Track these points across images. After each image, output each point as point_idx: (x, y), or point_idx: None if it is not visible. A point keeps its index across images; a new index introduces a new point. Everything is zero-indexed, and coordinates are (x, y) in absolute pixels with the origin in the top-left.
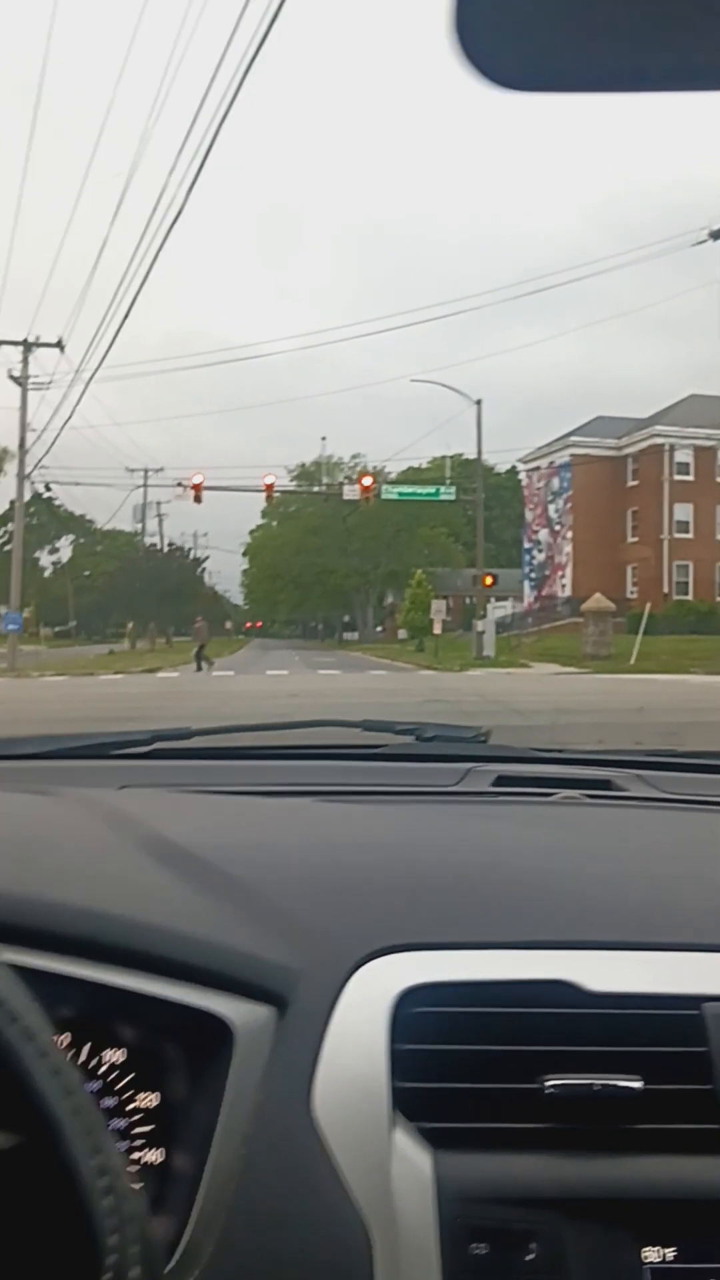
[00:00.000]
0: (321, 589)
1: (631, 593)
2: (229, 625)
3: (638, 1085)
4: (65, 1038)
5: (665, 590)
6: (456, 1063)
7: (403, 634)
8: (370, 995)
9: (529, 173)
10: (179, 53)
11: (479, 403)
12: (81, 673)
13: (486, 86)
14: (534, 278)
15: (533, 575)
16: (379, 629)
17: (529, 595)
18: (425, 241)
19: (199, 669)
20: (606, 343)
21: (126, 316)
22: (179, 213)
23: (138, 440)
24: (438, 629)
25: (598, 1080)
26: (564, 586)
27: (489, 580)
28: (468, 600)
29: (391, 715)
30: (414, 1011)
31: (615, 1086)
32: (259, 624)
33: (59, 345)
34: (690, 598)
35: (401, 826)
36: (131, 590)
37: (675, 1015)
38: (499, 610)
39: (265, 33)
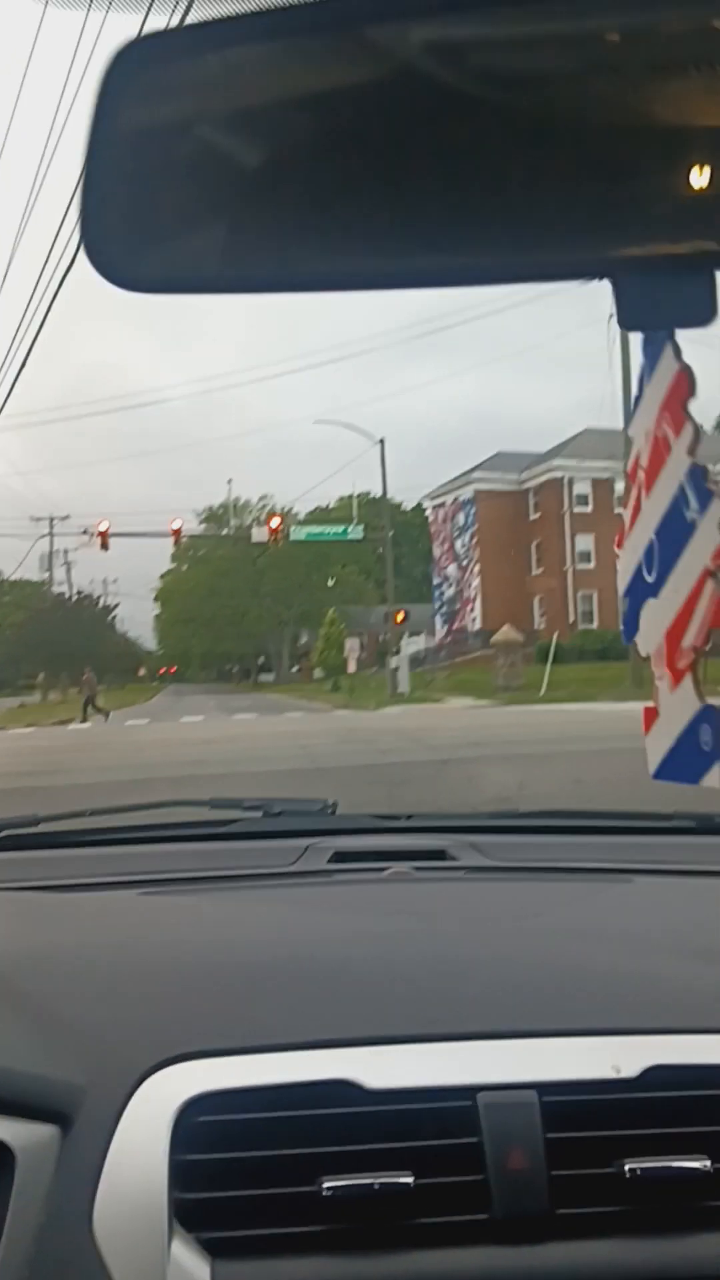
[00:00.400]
0: (235, 631)
1: (540, 623)
2: (143, 672)
3: (410, 1180)
4: None
5: (571, 620)
6: (237, 1169)
7: (318, 673)
8: (153, 1107)
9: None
10: (65, 98)
11: (382, 442)
12: (49, 723)
13: (116, 288)
14: (429, 318)
15: (443, 610)
16: (294, 669)
17: (440, 630)
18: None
19: (84, 719)
20: (503, 380)
21: (24, 366)
22: (73, 260)
23: (41, 489)
24: (352, 667)
25: (373, 1179)
26: (474, 620)
27: (400, 617)
28: (381, 637)
29: (308, 757)
30: (197, 1121)
31: (389, 1184)
32: (174, 669)
33: None
34: (595, 626)
35: (220, 920)
36: (41, 640)
37: (450, 1107)
38: (413, 646)
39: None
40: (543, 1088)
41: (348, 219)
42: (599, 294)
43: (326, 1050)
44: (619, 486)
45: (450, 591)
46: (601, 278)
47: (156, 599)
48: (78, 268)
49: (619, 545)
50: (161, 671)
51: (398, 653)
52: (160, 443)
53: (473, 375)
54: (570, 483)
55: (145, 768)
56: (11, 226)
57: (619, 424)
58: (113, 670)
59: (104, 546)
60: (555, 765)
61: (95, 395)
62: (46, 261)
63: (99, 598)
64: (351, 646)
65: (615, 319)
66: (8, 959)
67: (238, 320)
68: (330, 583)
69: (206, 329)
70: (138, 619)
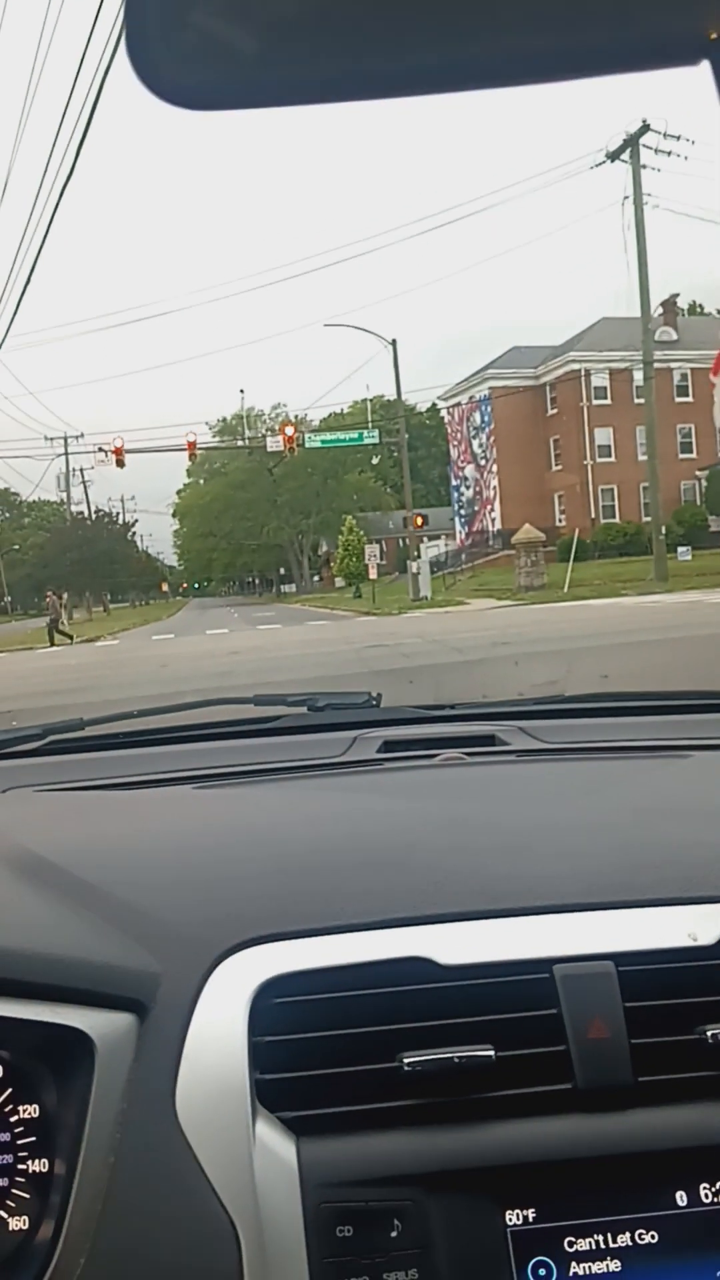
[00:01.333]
0: (255, 543)
1: (560, 521)
2: (165, 587)
3: (491, 1053)
4: None
5: (593, 516)
6: (315, 1050)
7: (339, 582)
8: (229, 991)
9: (414, 113)
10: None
11: (394, 343)
12: (19, 649)
13: (163, 104)
14: (430, 213)
15: (462, 512)
16: (315, 579)
17: (460, 532)
18: (317, 192)
19: (51, 644)
20: (513, 274)
21: (28, 283)
22: (69, 175)
23: (54, 409)
24: (373, 574)
25: (454, 1053)
26: (494, 520)
27: (419, 521)
28: (401, 542)
29: (333, 664)
30: (273, 1003)
31: (470, 1057)
32: (184, 586)
33: None
34: (617, 520)
35: (276, 808)
36: (63, 560)
37: (527, 980)
38: (432, 549)
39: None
40: (619, 958)
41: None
42: (606, 180)
43: (398, 929)
44: (638, 376)
45: (469, 493)
46: (697, 60)
47: (175, 514)
48: (74, 182)
49: (715, 373)
50: (184, 586)
51: (418, 557)
52: (168, 355)
53: (481, 271)
54: (588, 375)
55: (174, 681)
56: (9, 142)
57: (636, 311)
58: (135, 587)
59: (120, 464)
60: (580, 660)
61: (98, 311)
62: (44, 175)
63: (117, 515)
64: (371, 553)
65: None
66: (71, 853)
67: (237, 224)
68: (349, 490)
69: (210, 237)
70: (157, 535)
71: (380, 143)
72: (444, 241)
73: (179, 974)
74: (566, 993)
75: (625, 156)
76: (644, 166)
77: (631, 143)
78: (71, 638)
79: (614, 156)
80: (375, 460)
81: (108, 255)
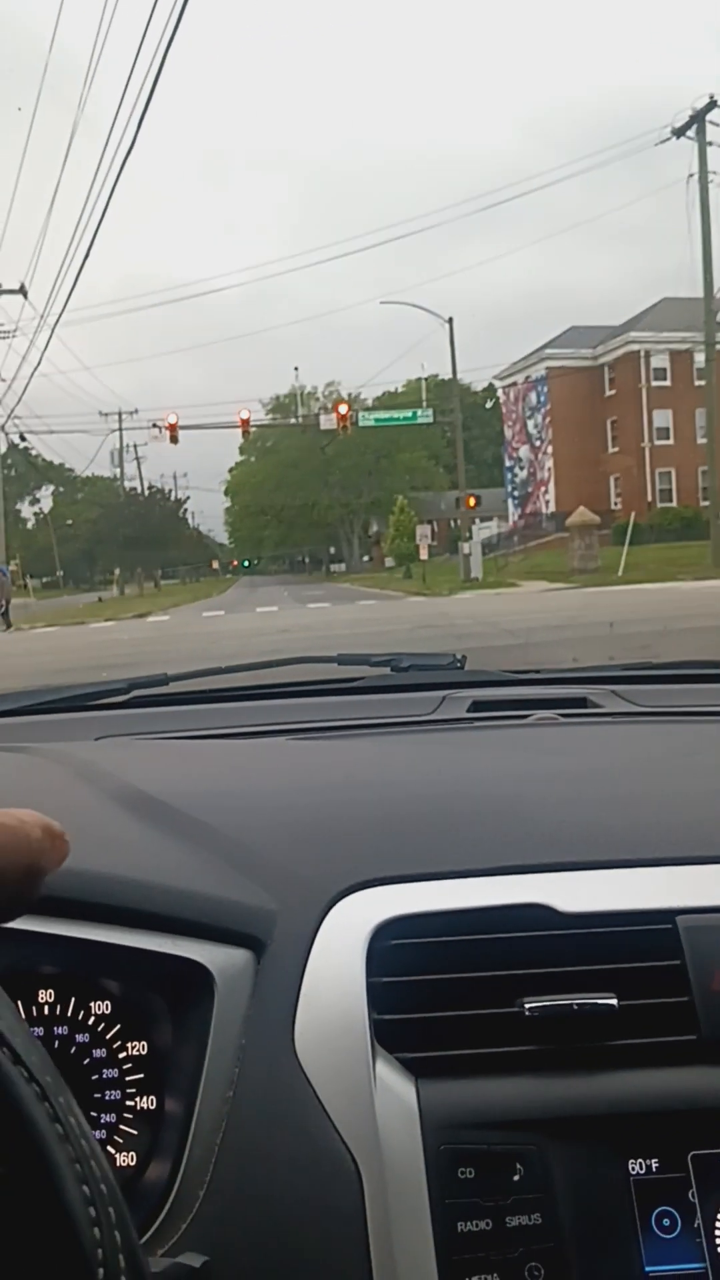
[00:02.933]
0: (305, 522)
1: (615, 504)
2: (216, 564)
3: (614, 1002)
4: (49, 994)
5: (649, 499)
6: (434, 992)
7: (389, 562)
8: (345, 932)
9: (465, 93)
10: None
11: (450, 321)
12: (72, 622)
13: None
14: (480, 195)
15: (516, 493)
16: (365, 558)
17: (513, 514)
18: (370, 168)
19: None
20: (567, 254)
21: (87, 256)
22: (130, 149)
23: (109, 384)
24: (424, 554)
25: (575, 1000)
26: (548, 502)
27: (472, 501)
28: (452, 523)
29: (383, 644)
30: (389, 944)
31: (593, 1004)
32: (234, 563)
33: (22, 291)
34: (674, 504)
35: (374, 760)
36: (115, 536)
37: (649, 930)
38: (484, 531)
39: None
40: None
41: None
42: (660, 161)
43: (516, 875)
44: (699, 358)
45: (523, 474)
46: None
47: (226, 492)
48: (131, 162)
49: None
50: (234, 564)
51: (469, 538)
52: (220, 333)
53: (535, 251)
54: (647, 356)
55: (224, 658)
56: (65, 123)
57: (699, 292)
58: (186, 564)
59: (173, 440)
60: (636, 645)
61: (152, 289)
62: (103, 154)
63: (170, 491)
64: (422, 533)
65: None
66: (179, 794)
67: (285, 205)
68: (401, 470)
69: (259, 219)
70: (208, 513)
71: (439, 120)
72: (503, 218)
73: (295, 912)
74: (690, 944)
75: (691, 133)
76: (710, 144)
77: (698, 119)
78: (9, 624)
79: (680, 133)
80: (428, 440)
81: (166, 230)
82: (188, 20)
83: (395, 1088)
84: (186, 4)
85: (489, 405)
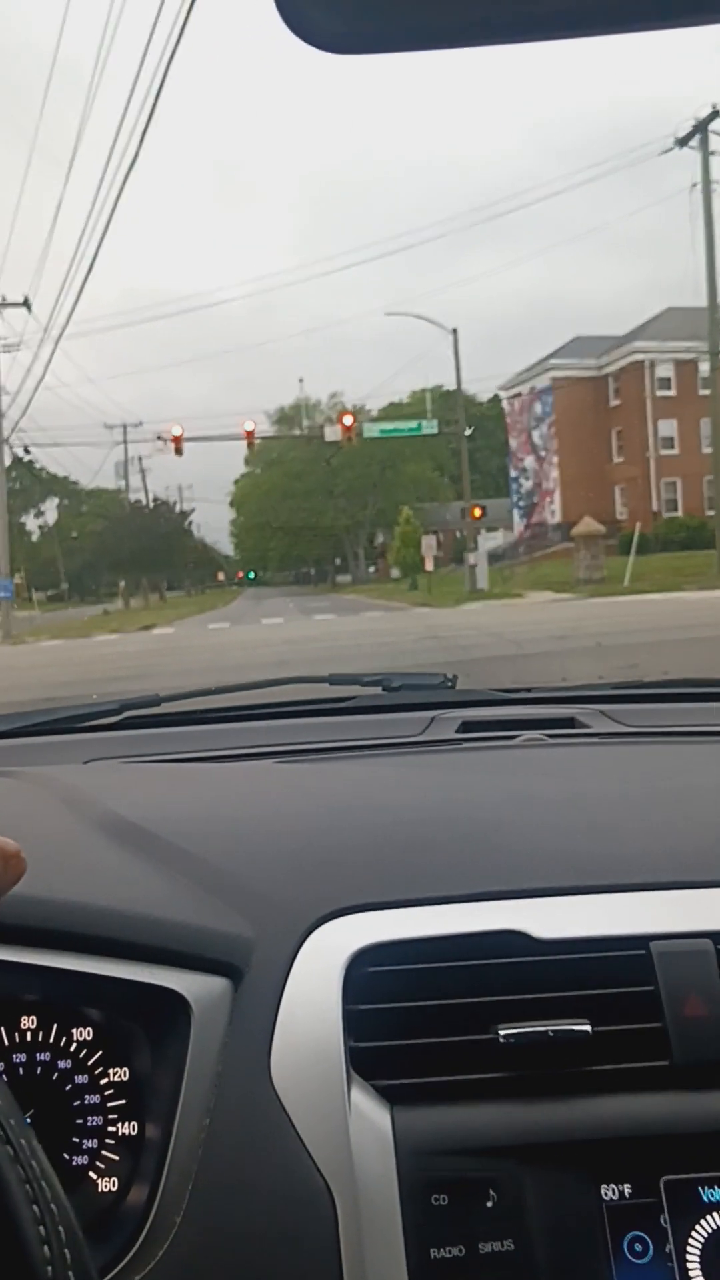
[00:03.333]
0: (311, 533)
1: (621, 514)
2: (221, 577)
3: (587, 1028)
4: (32, 1020)
5: (654, 509)
6: (410, 1019)
7: (395, 573)
8: (323, 959)
9: (470, 104)
10: (120, 5)
11: (455, 332)
12: (78, 635)
13: (310, 48)
14: (483, 205)
15: (521, 504)
16: (371, 569)
17: (519, 524)
18: (374, 180)
19: None
20: (572, 264)
21: (91, 269)
22: (133, 162)
23: (113, 396)
24: (429, 565)
25: (550, 1026)
26: (553, 513)
27: (477, 512)
28: (458, 534)
29: (388, 655)
30: (367, 971)
31: (567, 1031)
32: (239, 574)
33: (25, 304)
34: (680, 514)
35: (359, 784)
36: (120, 548)
37: (623, 956)
38: (490, 541)
39: None
40: (716, 936)
41: None
42: (661, 172)
43: (491, 902)
44: (704, 367)
45: (528, 484)
46: None
47: (231, 504)
48: (134, 175)
49: None
50: (239, 576)
51: (475, 549)
52: (223, 345)
53: (538, 262)
54: (652, 365)
55: (229, 670)
56: (70, 137)
57: (703, 301)
58: (191, 576)
59: (178, 452)
60: (642, 655)
61: (155, 301)
62: (106, 166)
63: (175, 504)
64: (428, 544)
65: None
66: (160, 820)
67: (288, 217)
68: (407, 481)
69: (261, 231)
70: (213, 524)
71: (441, 131)
72: (507, 229)
73: (273, 940)
74: (663, 969)
75: (694, 143)
76: (713, 153)
77: (701, 128)
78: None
79: (683, 142)
80: (434, 451)
81: (169, 242)
82: (193, 32)
83: (370, 1115)
84: (190, 15)
85: (491, 414)
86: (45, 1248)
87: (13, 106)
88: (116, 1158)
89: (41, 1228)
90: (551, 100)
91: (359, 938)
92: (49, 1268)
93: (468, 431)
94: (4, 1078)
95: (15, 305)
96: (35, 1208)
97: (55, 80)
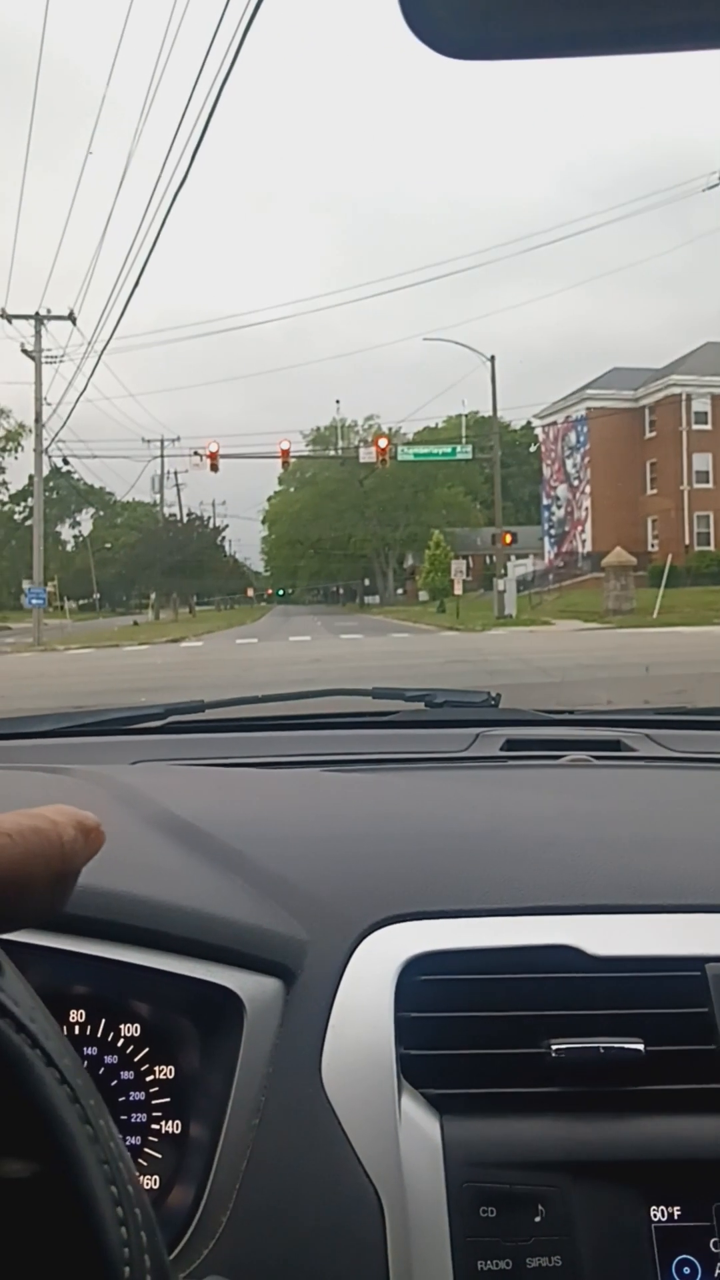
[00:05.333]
0: (341, 553)
1: (653, 546)
2: (250, 593)
3: (640, 1047)
4: (80, 1014)
5: (686, 542)
6: (461, 1029)
7: (423, 596)
8: (375, 965)
9: (504, 140)
10: (174, 28)
11: (493, 359)
12: (106, 645)
13: (439, 57)
14: (516, 239)
15: (552, 532)
16: (399, 591)
17: (549, 552)
18: (411, 214)
19: None
20: (605, 299)
21: (137, 284)
22: (184, 178)
23: (151, 411)
24: (458, 589)
25: (601, 1043)
26: (584, 542)
27: (508, 538)
28: (488, 559)
29: (415, 677)
30: (418, 979)
31: (619, 1049)
32: (269, 591)
33: (71, 318)
34: (712, 548)
35: (408, 795)
36: (153, 561)
37: (677, 977)
38: (519, 568)
39: (255, 8)
40: None
41: None
42: (694, 212)
43: (546, 916)
44: None
45: (560, 513)
46: None
47: (264, 521)
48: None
49: None
50: (269, 592)
51: (504, 574)
52: (259, 366)
53: (572, 295)
54: (689, 399)
55: (256, 686)
56: (119, 158)
57: None
58: (222, 591)
59: (214, 468)
60: (672, 689)
61: (192, 319)
62: (157, 184)
63: (208, 519)
64: (457, 568)
65: None
66: (213, 821)
67: (322, 244)
68: (438, 505)
69: (298, 256)
70: (245, 541)
71: (479, 167)
72: (540, 264)
73: (326, 944)
74: (718, 992)
75: None
76: None
77: None
78: None
79: None
80: (466, 476)
81: (208, 264)
82: (241, 59)
83: (420, 1123)
84: (243, 45)
85: (532, 448)
86: (122, 1229)
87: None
88: (159, 1156)
89: (119, 1208)
90: (584, 142)
91: (412, 945)
92: (125, 1250)
93: (501, 458)
94: (84, 1062)
95: (60, 319)
96: (113, 1188)
97: (110, 100)
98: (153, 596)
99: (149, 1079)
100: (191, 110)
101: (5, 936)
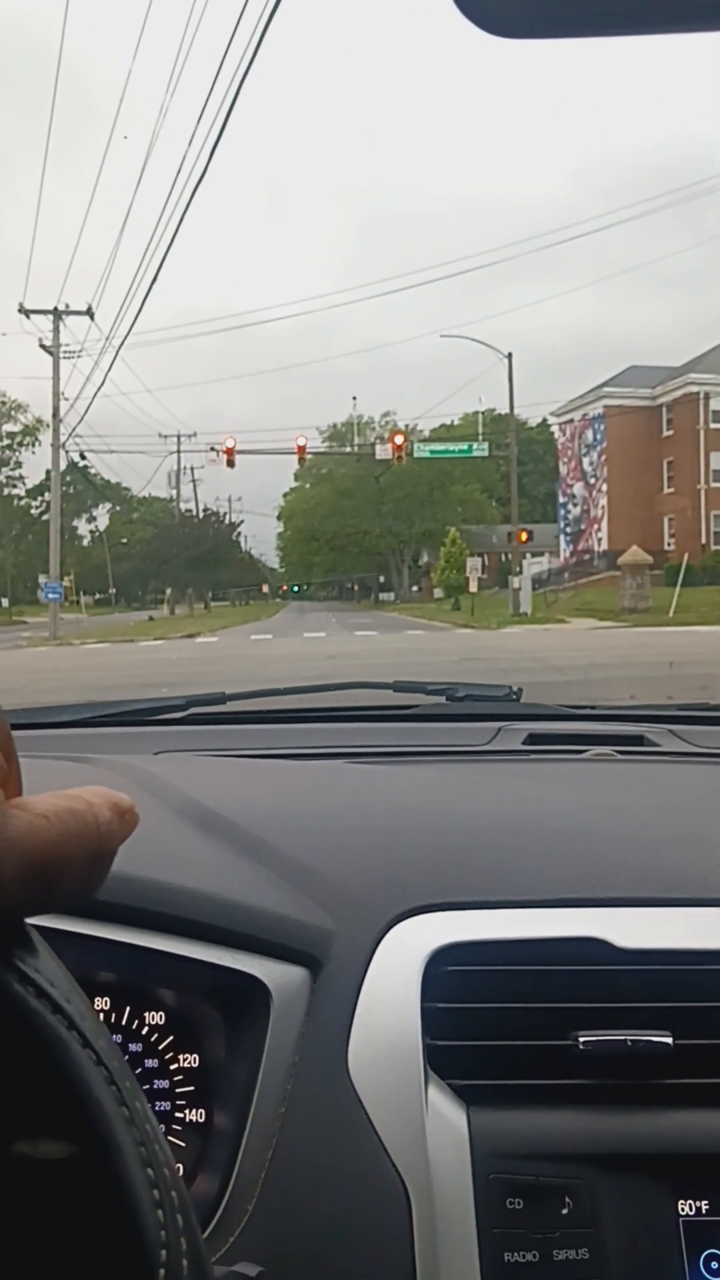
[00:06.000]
0: (356, 550)
1: (669, 544)
2: (266, 589)
3: (669, 1040)
4: (105, 1002)
5: (703, 541)
6: (488, 1020)
7: (438, 593)
8: (402, 955)
9: (517, 140)
10: (193, 25)
11: (510, 356)
12: (122, 640)
13: (487, 35)
14: (533, 236)
15: (568, 530)
16: (414, 588)
17: (565, 550)
18: (426, 213)
19: None
20: (620, 298)
21: (154, 280)
22: (202, 175)
23: (169, 407)
24: (473, 587)
25: (630, 1036)
26: (600, 540)
27: (524, 536)
28: (503, 557)
29: (429, 674)
30: (445, 970)
31: (647, 1041)
32: (284, 588)
33: (89, 313)
34: None
35: (432, 787)
36: (169, 556)
37: (707, 970)
38: (535, 566)
39: (274, 7)
40: None
41: None
42: (707, 212)
43: (574, 908)
44: None
45: (576, 511)
46: None
47: (279, 517)
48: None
49: None
50: (283, 589)
51: (520, 572)
52: (275, 362)
53: (587, 294)
54: (707, 398)
55: (271, 682)
56: (138, 153)
57: None
58: (237, 586)
59: (230, 464)
60: (694, 685)
61: (208, 316)
62: (175, 179)
63: (224, 515)
64: (473, 566)
65: None
66: (238, 811)
67: (336, 242)
68: (454, 502)
69: (312, 254)
70: (260, 537)
71: (494, 166)
72: (554, 263)
73: (352, 934)
74: None
75: None
76: None
77: None
78: None
79: None
80: (482, 474)
81: (224, 261)
82: (259, 57)
83: (446, 1114)
84: (261, 43)
85: (540, 439)
86: (158, 1211)
87: (76, 122)
88: (183, 1144)
89: (155, 1191)
90: (597, 141)
91: (439, 936)
92: (161, 1232)
93: (517, 455)
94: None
95: (78, 314)
96: (149, 1170)
97: (128, 97)
98: (168, 592)
99: (173, 1067)
100: (210, 108)
101: (38, 921)
